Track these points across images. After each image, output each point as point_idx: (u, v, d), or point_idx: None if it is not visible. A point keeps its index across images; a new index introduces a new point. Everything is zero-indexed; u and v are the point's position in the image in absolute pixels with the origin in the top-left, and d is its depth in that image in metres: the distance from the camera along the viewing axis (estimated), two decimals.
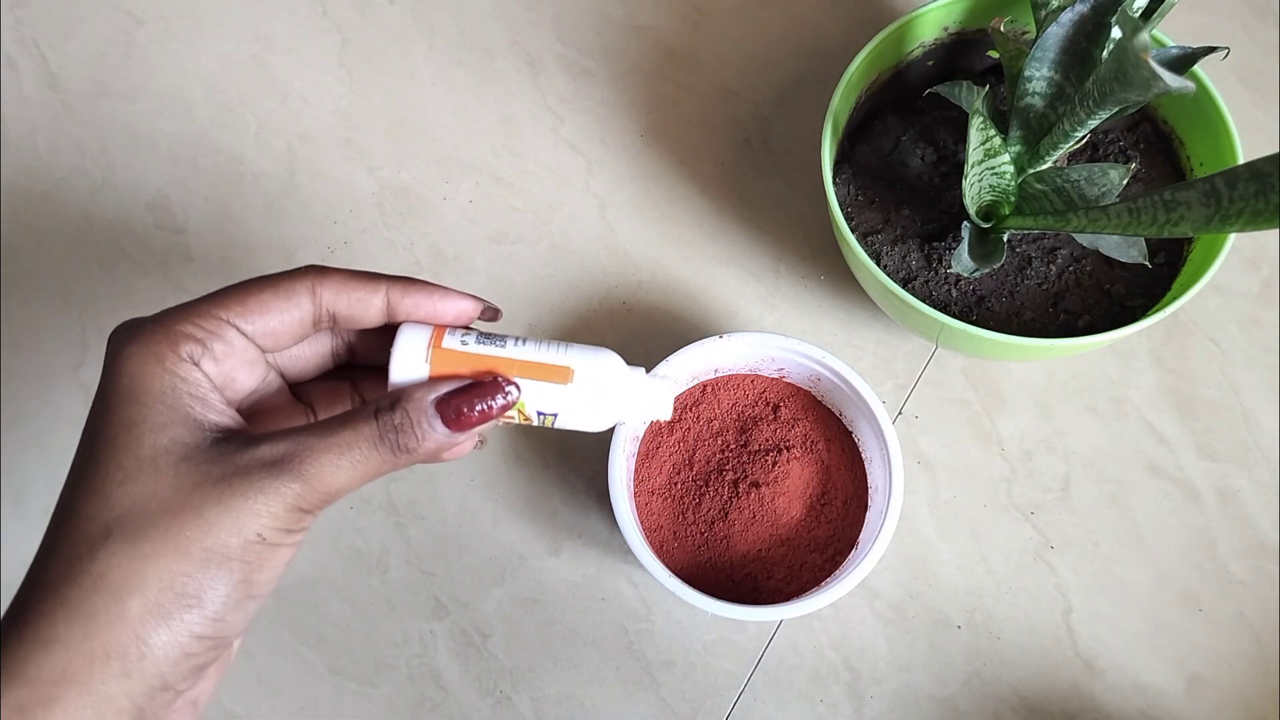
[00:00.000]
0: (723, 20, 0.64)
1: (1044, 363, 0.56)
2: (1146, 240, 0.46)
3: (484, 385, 0.29)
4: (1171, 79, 0.31)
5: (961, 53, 0.54)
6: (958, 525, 0.53)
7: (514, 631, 0.52)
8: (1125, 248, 0.45)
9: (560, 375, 0.30)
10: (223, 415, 0.28)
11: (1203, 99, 0.48)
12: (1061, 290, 0.50)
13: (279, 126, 0.62)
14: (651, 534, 0.49)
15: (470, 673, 0.52)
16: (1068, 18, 0.41)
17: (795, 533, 0.49)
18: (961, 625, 0.52)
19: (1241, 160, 0.47)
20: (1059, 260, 0.51)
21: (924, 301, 0.46)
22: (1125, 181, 0.43)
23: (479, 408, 0.29)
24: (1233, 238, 0.46)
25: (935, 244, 0.51)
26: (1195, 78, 0.48)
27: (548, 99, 0.62)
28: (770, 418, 0.51)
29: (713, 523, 0.49)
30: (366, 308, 0.29)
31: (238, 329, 0.28)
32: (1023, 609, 0.52)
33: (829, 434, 0.51)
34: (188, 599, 0.25)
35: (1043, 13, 0.44)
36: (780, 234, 0.59)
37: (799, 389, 0.52)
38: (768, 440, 0.50)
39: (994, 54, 0.55)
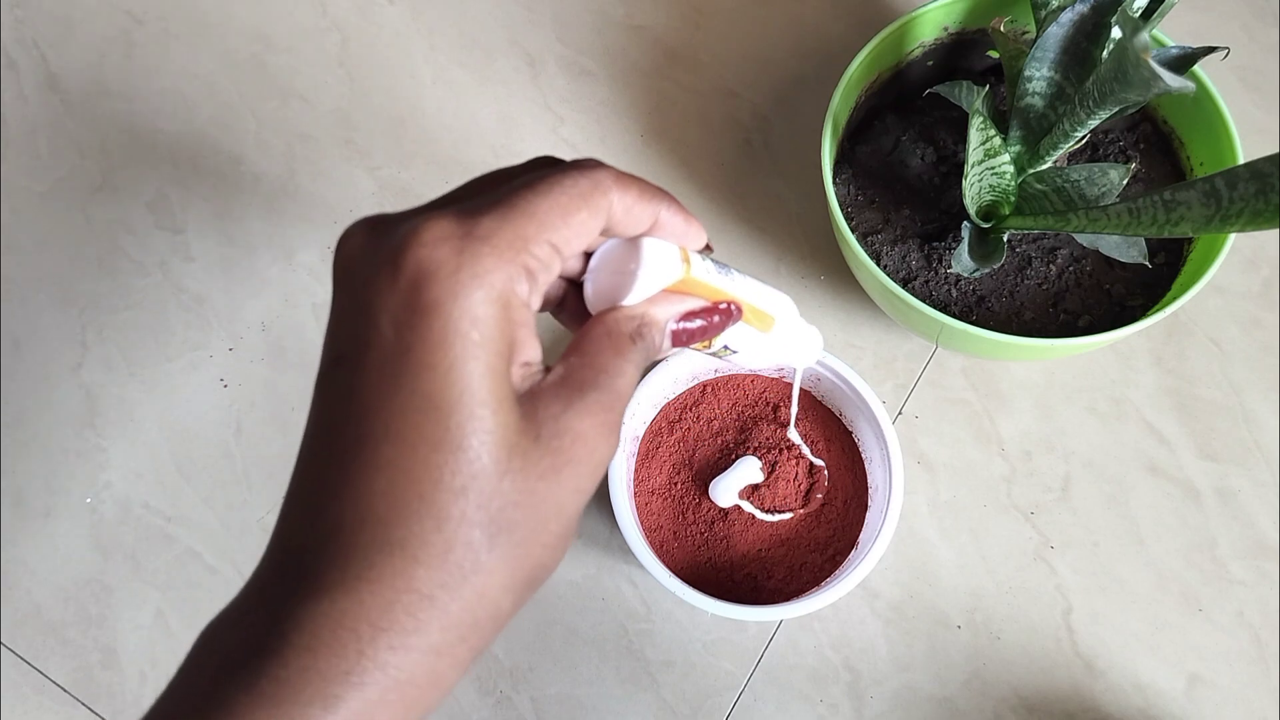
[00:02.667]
0: (723, 20, 0.64)
1: (1044, 363, 0.56)
2: (1146, 240, 0.46)
3: (721, 313, 0.27)
4: (1171, 79, 0.31)
5: (961, 53, 0.54)
6: (958, 525, 0.53)
7: (514, 631, 0.52)
8: (1125, 248, 0.45)
9: (764, 322, 0.30)
10: (532, 374, 0.24)
11: (1203, 99, 0.48)
12: (1061, 290, 0.50)
13: (279, 126, 0.62)
14: (651, 534, 0.49)
15: (470, 673, 0.52)
16: (1068, 18, 0.41)
17: (795, 533, 0.49)
18: (961, 625, 0.52)
19: (1241, 160, 0.47)
20: (1059, 260, 0.51)
21: (924, 301, 0.46)
22: (1125, 181, 0.43)
23: (704, 332, 0.27)
24: (1233, 238, 0.46)
25: (935, 244, 0.51)
26: (1195, 78, 0.48)
27: (548, 99, 0.62)
28: (770, 418, 0.51)
29: (713, 523, 0.49)
30: (639, 222, 0.25)
31: (560, 255, 0.23)
32: (1023, 609, 0.52)
33: (829, 434, 0.51)
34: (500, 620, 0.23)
35: (1043, 13, 0.44)
36: (780, 234, 0.59)
37: (799, 389, 0.52)
38: (768, 440, 0.50)
39: (994, 54, 0.55)
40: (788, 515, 0.49)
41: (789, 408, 0.51)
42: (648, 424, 0.51)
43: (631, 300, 0.26)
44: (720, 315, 0.28)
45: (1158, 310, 0.45)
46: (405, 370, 0.21)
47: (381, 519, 0.21)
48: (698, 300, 0.27)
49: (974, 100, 0.41)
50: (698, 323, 0.27)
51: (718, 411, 0.51)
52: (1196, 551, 0.52)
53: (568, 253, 0.23)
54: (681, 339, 0.27)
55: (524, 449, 0.22)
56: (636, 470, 0.50)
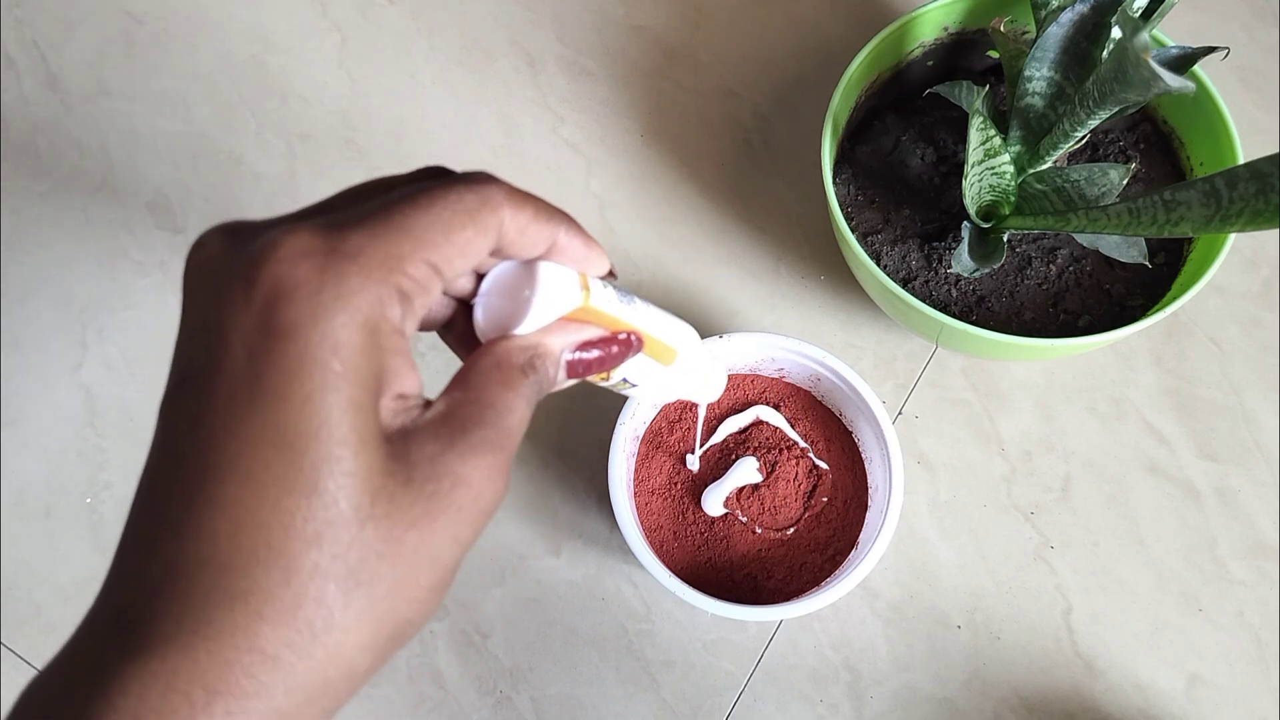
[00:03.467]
0: (723, 20, 0.64)
1: (1044, 363, 0.56)
2: (1146, 240, 0.46)
3: (619, 344, 0.26)
4: (1171, 79, 0.31)
5: (961, 53, 0.54)
6: (958, 525, 0.53)
7: (514, 631, 0.52)
8: (1125, 248, 0.45)
9: (666, 355, 0.28)
10: (408, 409, 0.22)
11: (1203, 99, 0.48)
12: (1061, 290, 0.50)
13: (279, 126, 0.62)
14: (651, 534, 0.49)
15: (470, 673, 0.52)
16: (1068, 18, 0.41)
17: (795, 533, 0.49)
18: (961, 625, 0.52)
19: (1241, 160, 0.47)
20: (1059, 260, 0.51)
21: (924, 301, 0.46)
22: (1125, 181, 0.43)
23: (599, 364, 0.25)
24: (1233, 238, 0.46)
25: (935, 244, 0.51)
26: (1195, 78, 0.48)
27: (548, 99, 0.62)
28: (770, 417, 0.51)
29: (713, 523, 0.49)
30: (534, 244, 0.23)
31: (441, 277, 0.21)
32: (1023, 609, 0.52)
33: (829, 434, 0.51)
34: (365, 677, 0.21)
35: (1043, 13, 0.44)
36: (780, 234, 0.59)
37: (799, 389, 0.52)
38: (767, 440, 0.50)
39: (994, 54, 0.55)
40: (788, 530, 0.49)
41: (788, 408, 0.51)
42: (648, 424, 0.51)
43: (525, 329, 0.24)
44: (619, 346, 0.26)
45: (1158, 310, 0.45)
46: (256, 400, 0.19)
47: (223, 566, 0.18)
48: (595, 329, 0.26)
49: (974, 100, 0.41)
50: (595, 353, 0.25)
51: (717, 412, 0.51)
52: (1196, 551, 0.52)
53: (450, 274, 0.21)
54: (577, 370, 0.25)
55: (391, 493, 0.20)
56: (636, 470, 0.50)
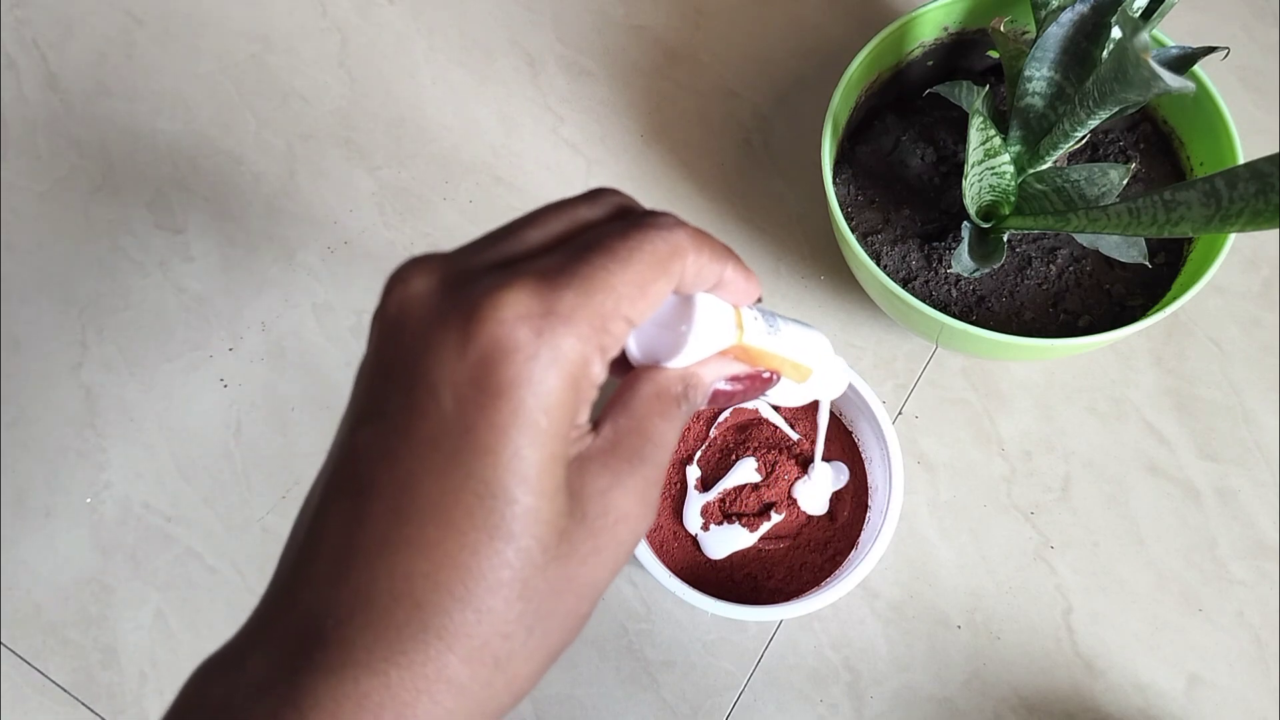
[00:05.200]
0: (723, 20, 0.64)
1: (1044, 363, 0.56)
2: (1146, 240, 0.46)
3: (760, 381, 0.27)
4: (1171, 79, 0.31)
5: (961, 53, 0.54)
6: (958, 525, 0.53)
7: None
8: (1125, 248, 0.45)
9: (801, 374, 0.29)
10: (582, 436, 0.23)
11: (1203, 99, 0.48)
12: (1061, 290, 0.50)
13: (279, 126, 0.62)
14: (651, 534, 0.49)
15: None
16: (1068, 18, 0.41)
17: (795, 533, 0.49)
18: (961, 625, 0.52)
19: (1241, 160, 0.47)
20: (1059, 260, 0.51)
21: (924, 301, 0.46)
22: (1125, 181, 0.43)
23: (740, 394, 0.26)
24: (1233, 238, 0.46)
25: (935, 244, 0.51)
26: (1195, 78, 0.48)
27: (548, 99, 0.62)
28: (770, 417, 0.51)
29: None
30: (706, 282, 0.24)
31: (634, 326, 0.22)
32: (1023, 609, 0.52)
33: (829, 434, 0.51)
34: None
35: (1043, 13, 0.44)
36: (780, 234, 0.59)
37: None
38: (767, 439, 0.50)
39: (994, 54, 0.55)
40: (788, 530, 0.49)
41: (788, 408, 0.51)
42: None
43: (678, 363, 0.24)
44: (762, 383, 0.27)
45: (1158, 310, 0.45)
46: (463, 450, 0.20)
47: (419, 603, 0.20)
48: (742, 366, 0.26)
49: (974, 100, 0.41)
50: (739, 386, 0.26)
51: (715, 415, 0.51)
52: (1196, 551, 0.52)
53: (640, 323, 0.22)
54: (720, 400, 0.26)
55: (570, 533, 0.21)
56: None
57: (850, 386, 0.48)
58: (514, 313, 0.20)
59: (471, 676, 0.20)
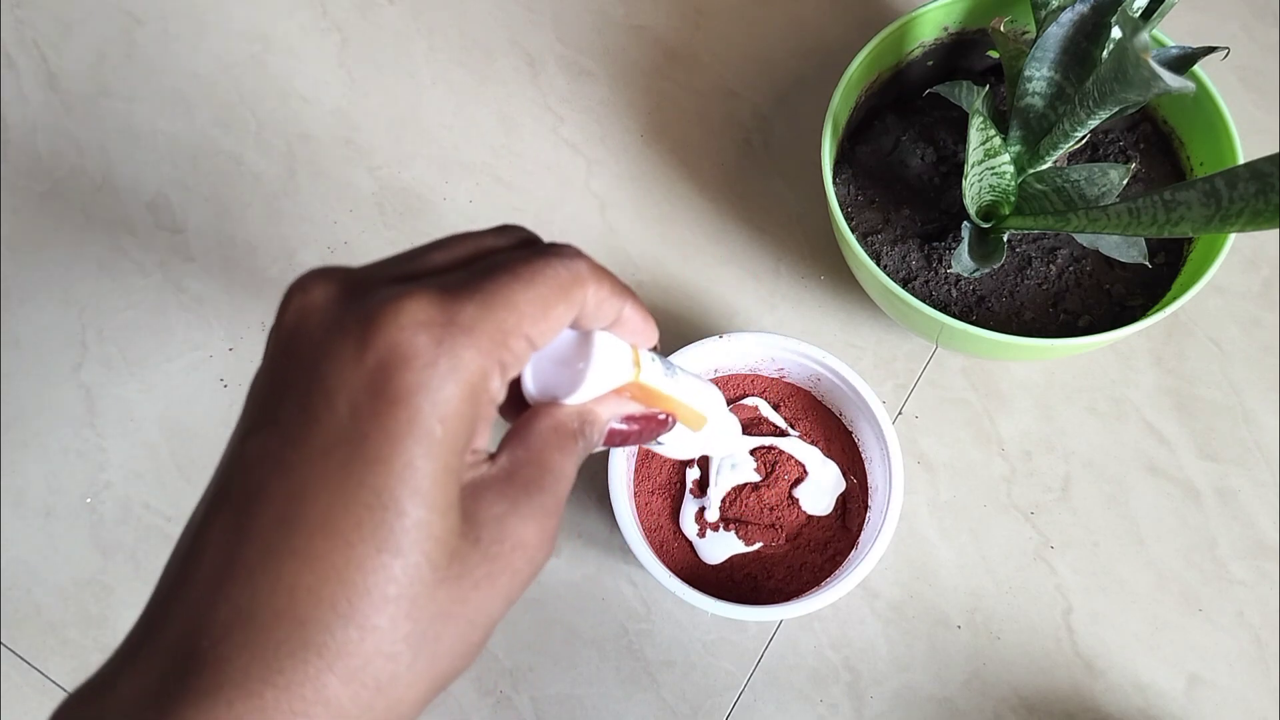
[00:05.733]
0: (723, 20, 0.64)
1: (1044, 363, 0.56)
2: (1146, 240, 0.46)
3: (657, 423, 0.27)
4: (1171, 79, 0.31)
5: (961, 53, 0.54)
6: (958, 525, 0.53)
7: (514, 631, 0.52)
8: (1125, 248, 0.45)
9: (697, 422, 0.29)
10: (477, 463, 0.22)
11: (1203, 99, 0.48)
12: (1061, 290, 0.50)
13: (279, 126, 0.62)
14: (651, 534, 0.49)
15: (470, 673, 0.52)
16: (1068, 18, 0.41)
17: (795, 532, 0.49)
18: (961, 625, 0.52)
19: (1241, 160, 0.47)
20: (1059, 260, 0.51)
21: (924, 301, 0.46)
22: (1125, 181, 0.43)
23: (635, 435, 0.26)
24: (1233, 238, 0.46)
25: (935, 244, 0.51)
26: (1195, 78, 0.48)
27: (548, 99, 0.62)
28: (769, 418, 0.51)
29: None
30: (606, 317, 0.24)
31: (534, 348, 0.22)
32: (1023, 609, 0.52)
33: (829, 434, 0.51)
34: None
35: (1043, 13, 0.44)
36: (780, 234, 0.59)
37: (799, 389, 0.52)
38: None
39: (994, 54, 0.55)
40: (788, 529, 0.49)
41: (788, 408, 0.51)
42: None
43: (575, 400, 0.24)
44: (656, 425, 0.27)
45: (1158, 310, 0.45)
46: (355, 460, 0.19)
47: (300, 618, 0.19)
48: (638, 406, 0.27)
49: (974, 100, 0.41)
50: (634, 427, 0.26)
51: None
52: (1196, 551, 0.52)
53: (541, 345, 0.22)
54: (614, 440, 0.26)
55: (464, 555, 0.20)
56: (636, 470, 0.50)
57: (850, 386, 0.48)
58: (414, 320, 0.19)
59: (352, 699, 0.19)
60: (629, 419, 0.26)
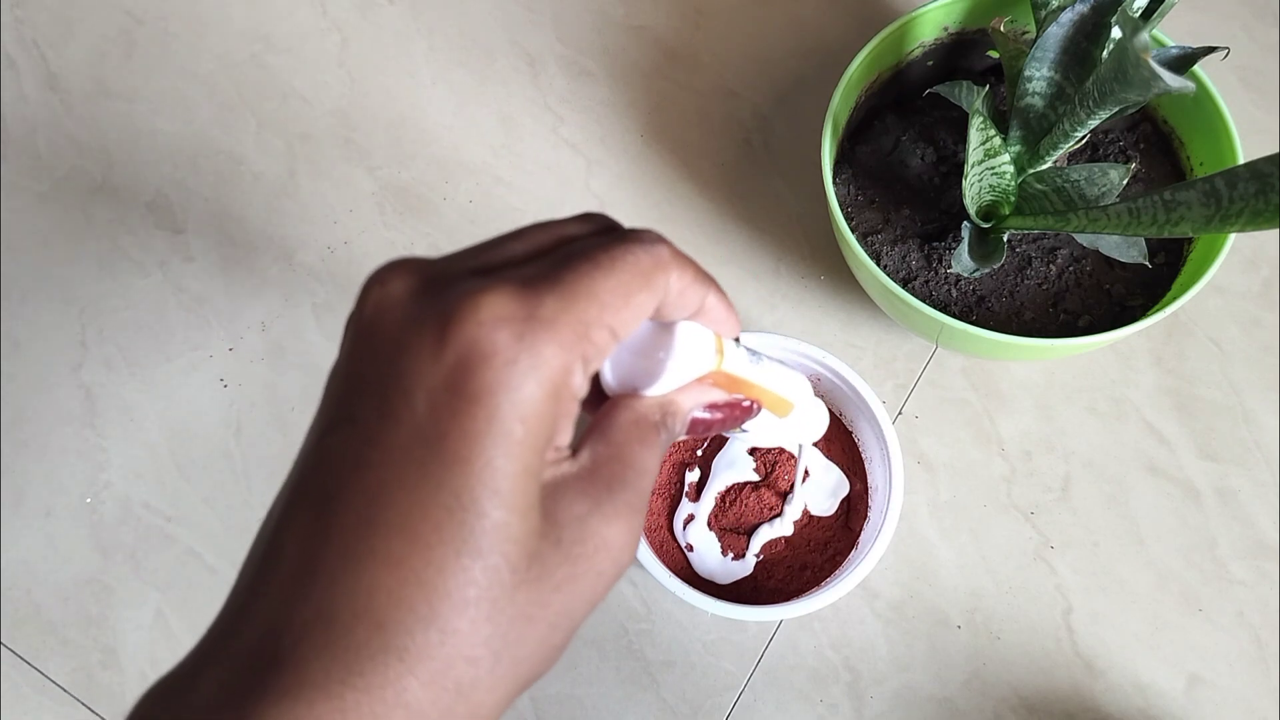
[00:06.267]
0: (723, 20, 0.64)
1: (1044, 363, 0.56)
2: (1146, 240, 0.46)
3: (740, 410, 0.26)
4: (1171, 79, 0.31)
5: (961, 53, 0.54)
6: (958, 525, 0.53)
7: None
8: (1125, 248, 0.45)
9: (783, 409, 0.29)
10: (560, 460, 0.22)
11: (1203, 99, 0.48)
12: (1061, 290, 0.50)
13: (279, 126, 0.62)
14: (651, 534, 0.49)
15: None
16: (1068, 18, 0.41)
17: (795, 533, 0.49)
18: (961, 625, 0.52)
19: (1241, 160, 0.47)
20: (1059, 260, 0.51)
21: (924, 301, 0.46)
22: (1125, 181, 0.43)
23: (719, 423, 0.26)
24: (1233, 238, 0.46)
25: (935, 244, 0.51)
26: (1195, 78, 0.48)
27: (548, 99, 0.62)
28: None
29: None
30: (688, 305, 0.23)
31: (617, 339, 0.21)
32: (1023, 609, 0.52)
33: (829, 434, 0.51)
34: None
35: (1043, 13, 0.44)
36: (780, 234, 0.59)
37: None
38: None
39: (994, 54, 0.55)
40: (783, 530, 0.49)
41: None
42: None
43: (656, 390, 0.23)
44: (741, 412, 0.26)
45: (1158, 310, 0.45)
46: (434, 459, 0.19)
47: (380, 621, 0.18)
48: (721, 393, 0.26)
49: (974, 100, 0.41)
50: (718, 415, 0.25)
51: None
52: (1196, 551, 0.52)
53: (625, 335, 0.21)
54: (699, 428, 0.25)
55: (544, 556, 0.20)
56: None
57: (850, 386, 0.48)
58: (493, 315, 0.19)
59: (432, 702, 0.19)
60: (712, 407, 0.25)
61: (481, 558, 0.19)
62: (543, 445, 0.20)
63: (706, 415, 0.25)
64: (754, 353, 0.27)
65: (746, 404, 0.27)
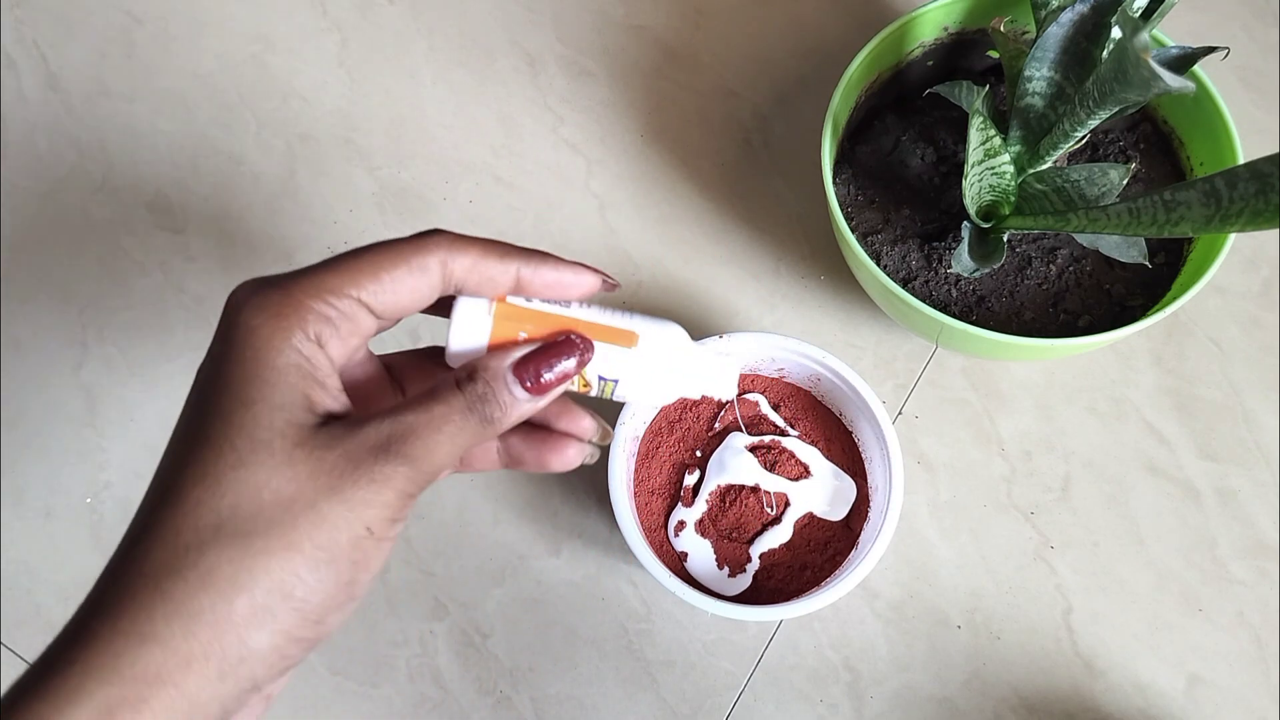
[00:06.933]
0: (723, 20, 0.64)
1: (1044, 363, 0.56)
2: (1146, 240, 0.46)
3: (558, 344, 0.28)
4: (1171, 79, 0.31)
5: (961, 53, 0.54)
6: (958, 525, 0.53)
7: (514, 631, 0.52)
8: (1125, 248, 0.45)
9: (626, 339, 0.29)
10: (336, 400, 0.26)
11: (1203, 99, 0.48)
12: (1061, 290, 0.50)
13: (279, 126, 0.62)
14: (651, 534, 0.49)
15: (470, 673, 0.52)
16: (1068, 18, 0.41)
17: (795, 533, 0.49)
18: (961, 625, 0.52)
19: (1241, 160, 0.47)
20: (1059, 260, 0.51)
21: (924, 301, 0.46)
22: (1125, 181, 0.43)
23: (557, 368, 0.27)
24: (1233, 238, 0.46)
25: (935, 244, 0.51)
26: (1195, 78, 0.48)
27: (548, 99, 0.62)
28: (770, 417, 0.51)
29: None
30: (494, 284, 0.27)
31: (368, 308, 0.26)
32: (1023, 609, 0.52)
33: (829, 434, 0.51)
34: (293, 600, 0.24)
35: (1043, 13, 0.44)
36: (780, 234, 0.59)
37: (799, 389, 0.52)
38: (768, 441, 0.50)
39: (994, 54, 0.55)
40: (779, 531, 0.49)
41: (788, 408, 0.51)
42: (648, 424, 0.51)
43: (455, 345, 0.27)
44: (563, 345, 0.28)
45: (1158, 310, 0.45)
46: (217, 379, 0.26)
47: (204, 469, 0.25)
48: (538, 343, 0.27)
49: (974, 100, 0.41)
50: (541, 359, 0.27)
51: (718, 411, 0.51)
52: (1196, 551, 0.52)
53: (380, 305, 0.26)
54: (530, 377, 0.27)
55: (318, 448, 0.25)
56: (636, 470, 0.50)
57: (850, 386, 0.48)
58: (245, 285, 0.26)
59: (249, 512, 0.24)
60: (530, 356, 0.27)
61: (264, 419, 0.25)
62: (291, 383, 0.25)
63: (532, 365, 0.27)
64: (562, 301, 0.29)
65: (564, 337, 0.28)
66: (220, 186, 0.61)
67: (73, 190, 0.61)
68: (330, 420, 0.26)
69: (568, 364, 0.28)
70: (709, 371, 0.31)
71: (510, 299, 0.28)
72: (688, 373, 0.30)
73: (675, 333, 0.30)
